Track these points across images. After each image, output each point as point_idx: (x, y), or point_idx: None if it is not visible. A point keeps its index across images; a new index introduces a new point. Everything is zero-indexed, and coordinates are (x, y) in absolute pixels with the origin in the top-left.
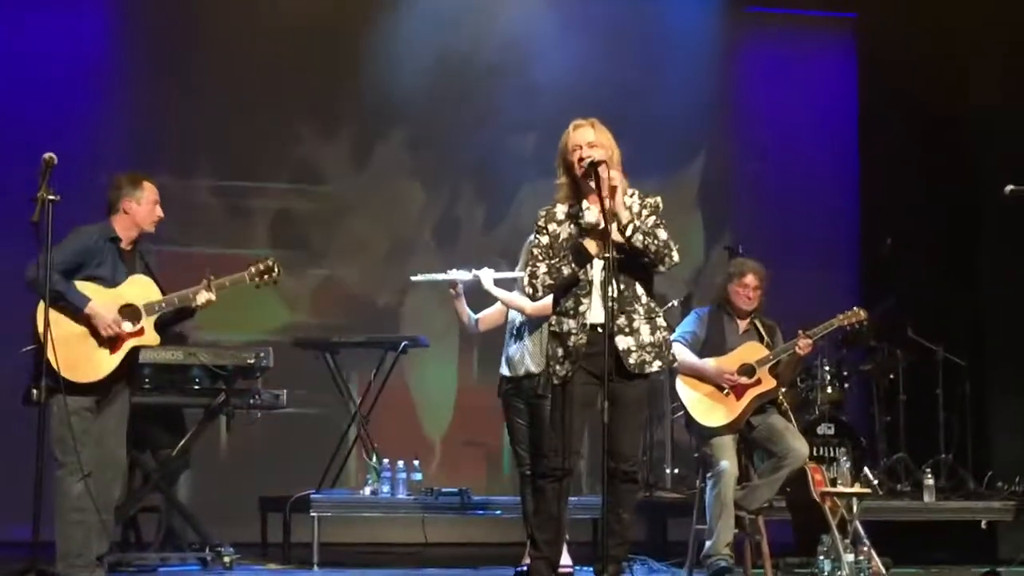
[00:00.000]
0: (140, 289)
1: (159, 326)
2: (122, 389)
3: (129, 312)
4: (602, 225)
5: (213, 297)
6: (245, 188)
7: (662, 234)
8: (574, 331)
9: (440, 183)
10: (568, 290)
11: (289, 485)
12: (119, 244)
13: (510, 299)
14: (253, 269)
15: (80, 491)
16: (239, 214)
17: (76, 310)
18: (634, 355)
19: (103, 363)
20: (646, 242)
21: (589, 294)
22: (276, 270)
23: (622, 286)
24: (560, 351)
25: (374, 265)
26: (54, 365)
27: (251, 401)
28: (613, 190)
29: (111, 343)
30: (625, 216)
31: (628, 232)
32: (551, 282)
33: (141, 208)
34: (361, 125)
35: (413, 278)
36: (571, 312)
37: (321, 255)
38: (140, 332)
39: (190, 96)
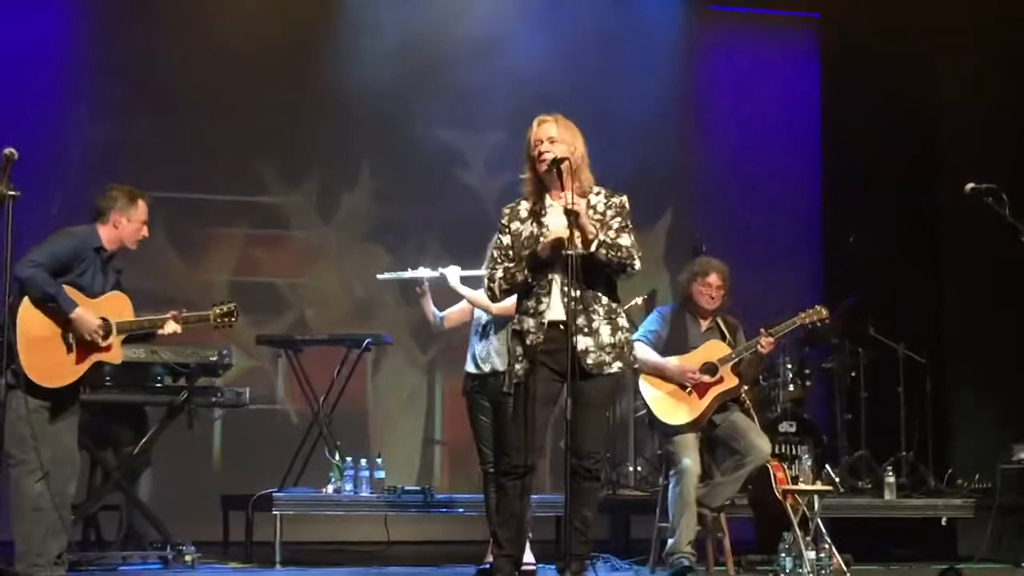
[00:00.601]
0: (116, 306)
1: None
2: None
3: (104, 327)
4: (564, 238)
5: (179, 330)
6: (202, 202)
7: (625, 241)
8: (532, 330)
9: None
10: (531, 290)
11: (251, 483)
12: (102, 255)
13: (476, 297)
14: (217, 310)
15: (40, 490)
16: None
17: (61, 314)
18: (592, 355)
19: (67, 372)
20: (609, 255)
21: (549, 293)
22: (235, 315)
23: (583, 285)
24: (519, 349)
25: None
26: (17, 362)
27: (213, 399)
28: (577, 215)
29: (79, 353)
30: (591, 231)
31: (592, 248)
32: (507, 287)
33: (130, 225)
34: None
35: (379, 276)
36: (531, 311)
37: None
38: (108, 348)
39: (153, 102)
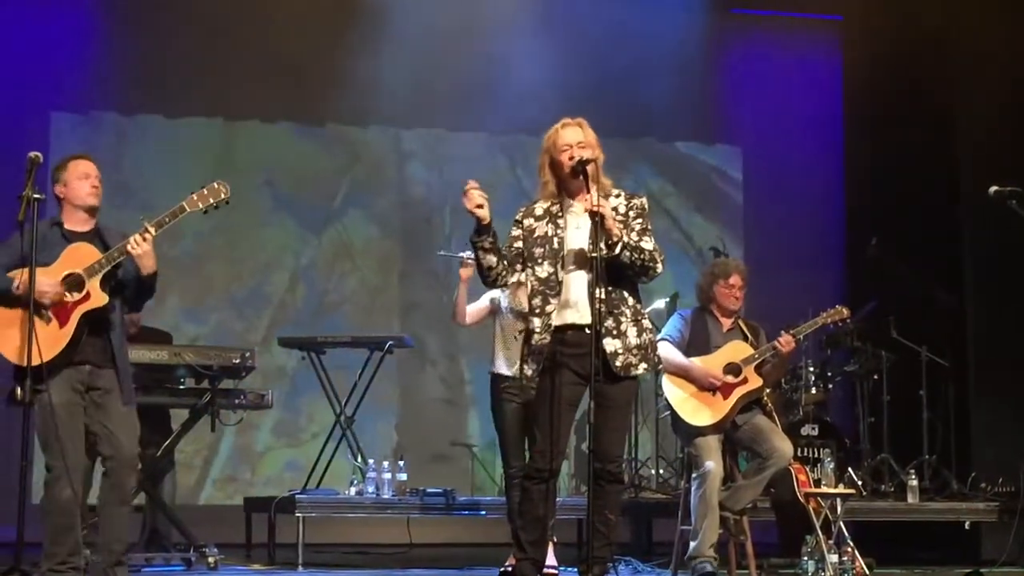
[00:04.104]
0: (79, 256)
1: (119, 287)
2: (111, 387)
3: (72, 281)
4: (589, 247)
5: (150, 235)
6: None
7: (648, 245)
8: (538, 330)
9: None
10: (536, 290)
11: (274, 485)
12: (64, 228)
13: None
14: (195, 196)
15: (68, 495)
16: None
17: (7, 294)
18: (620, 357)
19: (58, 338)
20: (632, 258)
21: (558, 294)
22: (224, 193)
23: (609, 288)
24: (526, 350)
25: None
26: (35, 363)
27: (236, 401)
28: (603, 216)
29: (59, 319)
30: (616, 234)
31: (616, 251)
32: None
33: (68, 189)
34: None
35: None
36: (537, 310)
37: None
38: (86, 297)
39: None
